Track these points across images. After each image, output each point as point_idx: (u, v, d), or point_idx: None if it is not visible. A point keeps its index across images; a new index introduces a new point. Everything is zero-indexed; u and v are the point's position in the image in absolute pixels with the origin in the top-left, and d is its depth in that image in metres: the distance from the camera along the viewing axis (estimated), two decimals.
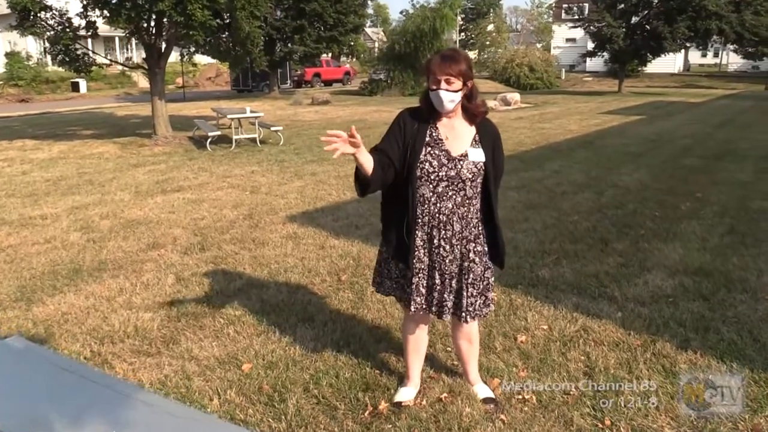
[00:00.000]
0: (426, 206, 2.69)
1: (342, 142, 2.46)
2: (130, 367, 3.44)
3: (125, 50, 41.42)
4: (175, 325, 3.95)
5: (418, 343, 3.01)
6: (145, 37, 12.99)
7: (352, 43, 34.77)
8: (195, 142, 13.21)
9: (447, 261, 2.71)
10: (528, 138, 13.19)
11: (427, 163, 2.65)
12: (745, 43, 34.22)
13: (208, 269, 5.06)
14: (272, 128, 13.18)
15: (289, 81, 37.48)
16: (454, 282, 2.75)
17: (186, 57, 18.10)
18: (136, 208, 7.30)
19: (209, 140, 12.39)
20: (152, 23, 12.74)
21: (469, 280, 2.74)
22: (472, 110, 2.70)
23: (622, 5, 31.79)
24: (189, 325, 3.94)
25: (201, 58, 27.40)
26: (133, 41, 31.50)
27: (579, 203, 7.11)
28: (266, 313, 4.07)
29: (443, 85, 2.59)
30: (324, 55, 35.97)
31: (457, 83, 2.60)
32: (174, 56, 16.61)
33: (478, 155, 2.68)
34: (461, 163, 2.65)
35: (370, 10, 46.05)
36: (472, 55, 52.27)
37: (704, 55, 55.85)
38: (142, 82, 32.71)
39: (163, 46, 13.32)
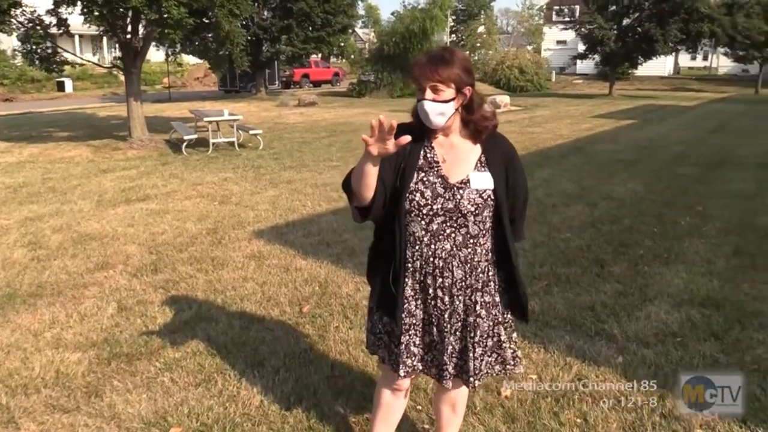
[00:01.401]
0: (417, 248, 2.13)
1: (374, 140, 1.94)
2: (39, 429, 2.87)
3: (114, 49, 40.63)
4: (103, 371, 3.38)
5: (391, 412, 2.44)
6: (120, 36, 12.38)
7: (342, 44, 34.24)
8: (171, 146, 12.61)
9: (446, 315, 2.16)
10: (517, 143, 12.54)
11: (418, 194, 2.10)
12: (736, 46, 33.99)
13: (156, 296, 4.49)
14: (251, 132, 12.60)
15: (277, 82, 36.82)
16: (455, 340, 2.18)
17: (171, 56, 17.50)
18: (93, 221, 6.72)
19: (185, 144, 11.80)
20: (127, 21, 12.13)
21: (476, 339, 2.17)
22: (475, 124, 2.13)
23: (614, 7, 31.43)
24: (119, 371, 3.37)
25: (189, 58, 26.81)
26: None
27: (571, 217, 6.58)
28: (211, 355, 3.51)
29: (428, 94, 2.03)
30: (313, 55, 35.36)
31: (448, 92, 2.03)
32: (161, 55, 16.05)
33: (483, 181, 2.10)
34: (461, 192, 2.09)
35: (360, 11, 45.43)
36: None
37: (693, 58, 55.68)
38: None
39: (140, 45, 12.71)
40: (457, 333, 2.17)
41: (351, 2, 28.95)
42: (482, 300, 2.17)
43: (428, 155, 2.14)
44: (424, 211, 2.09)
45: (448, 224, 2.10)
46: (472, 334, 2.16)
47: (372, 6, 57.65)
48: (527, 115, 20.16)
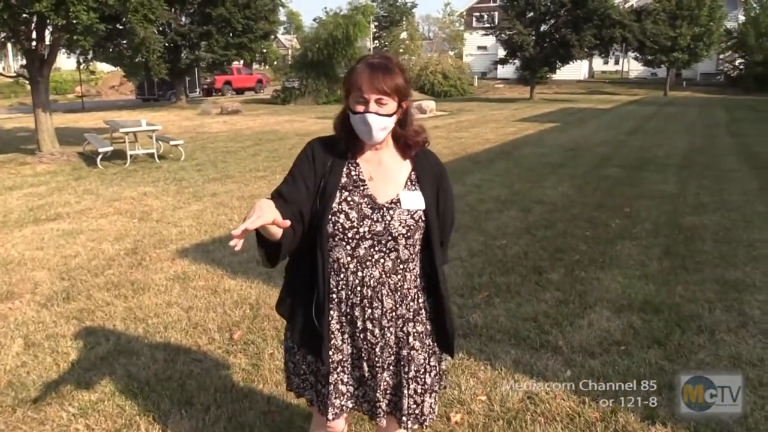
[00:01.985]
0: (343, 276, 1.91)
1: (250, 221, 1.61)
2: None
3: (20, 57, 38.30)
4: (7, 420, 2.98)
5: None
6: (24, 43, 11.56)
7: (265, 50, 33.60)
8: (85, 159, 11.86)
9: (377, 349, 1.94)
10: (446, 149, 12.69)
11: (342, 215, 1.88)
12: (646, 51, 35.66)
13: (68, 328, 4.07)
14: (172, 142, 12.03)
15: (198, 89, 35.75)
16: (388, 376, 1.97)
17: (83, 64, 16.53)
18: None
19: (100, 157, 11.11)
20: (32, 27, 11.34)
21: (410, 374, 1.96)
22: (407, 139, 1.95)
23: (532, 14, 32.32)
24: (26, 419, 2.99)
25: (104, 66, 25.49)
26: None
27: (505, 223, 6.55)
28: (132, 395, 3.17)
29: (372, 106, 1.82)
30: (235, 62, 34.54)
31: (391, 104, 1.85)
32: (73, 63, 15.12)
33: (414, 201, 1.92)
34: (391, 212, 1.89)
35: (282, 17, 44.85)
36: None
37: (606, 63, 58.03)
38: None
39: (47, 52, 11.92)
40: (391, 368, 1.96)
41: (272, 8, 28.43)
42: (415, 330, 1.97)
43: (352, 173, 1.93)
44: (350, 235, 1.88)
45: (377, 249, 1.89)
46: (406, 369, 1.95)
47: (294, 12, 57.31)
48: (453, 119, 20.35)
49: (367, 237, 1.88)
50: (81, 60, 14.94)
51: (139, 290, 4.75)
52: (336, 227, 1.88)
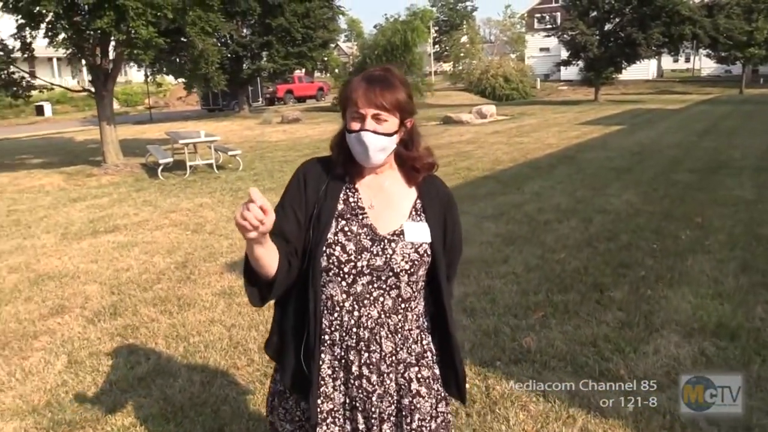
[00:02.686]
0: (337, 315, 1.69)
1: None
2: None
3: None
4: None
5: None
6: (90, 59, 11.96)
7: (326, 59, 33.90)
8: (148, 170, 12.15)
9: (374, 398, 1.70)
10: (505, 154, 12.32)
11: (338, 247, 1.66)
12: (719, 48, 34.02)
13: (112, 346, 4.05)
14: (230, 153, 12.17)
15: (260, 98, 36.45)
16: (388, 428, 1.72)
17: (150, 77, 17.09)
18: (54, 257, 6.26)
19: (161, 168, 11.35)
20: (95, 43, 11.72)
21: (414, 424, 1.72)
22: (413, 163, 1.74)
23: (595, 13, 31.33)
24: None
25: (171, 78, 26.33)
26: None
27: (565, 235, 6.19)
28: (165, 420, 3.07)
29: (370, 123, 1.62)
30: (297, 71, 35.02)
31: (392, 121, 1.64)
32: (142, 76, 15.64)
33: (419, 233, 1.70)
34: (393, 245, 1.67)
35: (342, 25, 45.15)
36: (447, 67, 51.79)
37: (676, 61, 55.91)
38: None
39: (110, 67, 12.30)
40: (391, 419, 1.71)
41: (331, 17, 28.65)
42: (420, 375, 1.73)
43: (350, 199, 1.71)
44: (346, 269, 1.66)
45: (376, 285, 1.67)
46: (408, 420, 1.71)
47: (354, 20, 57.56)
48: (514, 124, 19.86)
49: (366, 272, 1.66)
50: (148, 73, 15.45)
51: (185, 306, 4.69)
52: (331, 260, 1.66)
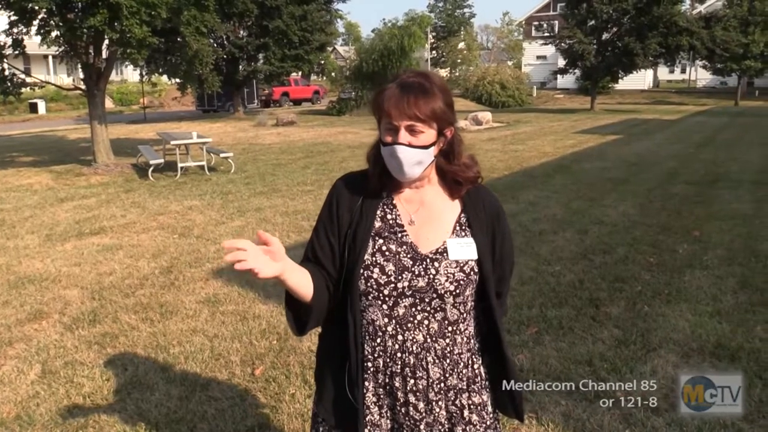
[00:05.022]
0: (380, 341, 1.57)
1: (252, 254, 1.38)
2: None
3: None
4: None
5: None
6: (82, 57, 11.79)
7: (322, 62, 33.79)
8: (138, 171, 11.98)
9: (422, 426, 1.59)
10: (500, 162, 12.21)
11: (377, 268, 1.54)
12: (715, 59, 34.06)
13: (89, 355, 3.89)
14: (222, 155, 12.01)
15: (256, 100, 36.27)
16: None
17: (145, 76, 16.90)
18: (37, 259, 6.10)
19: (151, 169, 11.18)
20: (88, 41, 11.55)
21: None
22: (455, 175, 1.61)
23: (593, 22, 31.32)
24: None
25: (167, 78, 26.19)
26: None
27: (560, 247, 6.06)
28: None
29: (404, 136, 1.49)
30: (293, 73, 34.89)
31: (428, 133, 1.51)
32: (138, 75, 15.52)
33: (464, 250, 1.57)
34: (436, 264, 1.55)
35: (340, 28, 45.17)
36: (444, 73, 51.79)
37: (672, 71, 55.96)
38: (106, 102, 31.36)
39: (103, 65, 12.13)
40: None
41: (328, 20, 28.58)
42: (471, 402, 1.61)
43: (388, 216, 1.59)
44: (386, 292, 1.54)
45: (419, 308, 1.55)
46: None
47: (352, 24, 57.63)
48: (510, 131, 19.77)
49: (407, 294, 1.54)
50: (143, 72, 15.29)
51: (167, 314, 4.54)
52: (369, 283, 1.55)
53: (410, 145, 1.49)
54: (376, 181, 1.60)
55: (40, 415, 3.18)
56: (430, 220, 1.60)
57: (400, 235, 1.57)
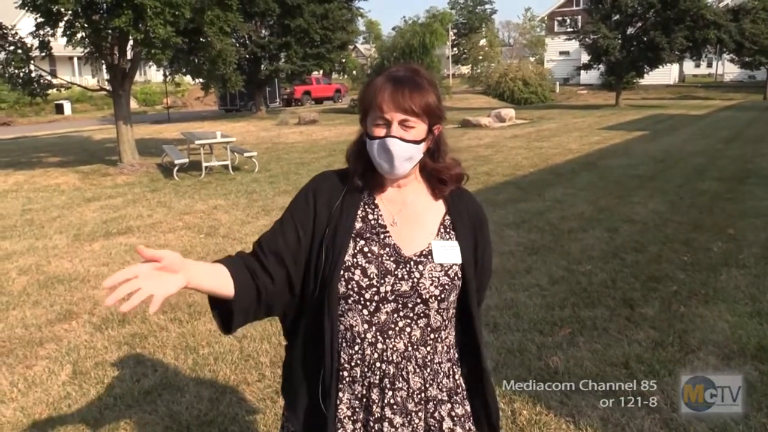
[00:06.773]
0: (358, 348, 1.49)
1: (144, 279, 1.25)
2: None
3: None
4: None
5: None
6: (107, 58, 11.90)
7: (344, 60, 33.76)
8: (163, 170, 12.06)
9: None
10: (525, 159, 12.07)
11: (358, 270, 1.46)
12: (743, 52, 33.41)
13: (118, 355, 3.89)
14: (246, 154, 12.05)
15: (278, 99, 36.41)
16: None
17: (169, 76, 17.03)
18: (66, 259, 6.15)
19: (176, 168, 11.25)
20: (112, 41, 11.65)
21: None
22: (440, 174, 1.54)
23: (618, 16, 30.92)
24: None
25: (190, 78, 26.42)
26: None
27: (590, 245, 5.95)
28: None
29: (396, 130, 1.42)
30: (315, 72, 34.97)
31: (420, 128, 1.44)
32: (161, 75, 15.65)
33: (449, 253, 1.50)
34: (420, 268, 1.47)
35: (361, 27, 45.12)
36: (465, 70, 51.50)
37: (698, 66, 55.07)
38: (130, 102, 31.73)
39: (128, 66, 12.23)
40: None
41: (350, 18, 28.52)
42: (453, 414, 1.53)
43: (370, 216, 1.52)
44: (367, 296, 1.46)
45: (402, 314, 1.46)
46: None
47: (373, 22, 57.68)
48: (534, 128, 19.57)
49: (390, 299, 1.46)
50: (166, 73, 15.41)
51: (195, 314, 4.53)
52: (349, 286, 1.46)
53: (403, 139, 1.43)
54: (358, 179, 1.53)
55: (72, 416, 3.18)
56: (414, 221, 1.53)
57: (382, 236, 1.50)
